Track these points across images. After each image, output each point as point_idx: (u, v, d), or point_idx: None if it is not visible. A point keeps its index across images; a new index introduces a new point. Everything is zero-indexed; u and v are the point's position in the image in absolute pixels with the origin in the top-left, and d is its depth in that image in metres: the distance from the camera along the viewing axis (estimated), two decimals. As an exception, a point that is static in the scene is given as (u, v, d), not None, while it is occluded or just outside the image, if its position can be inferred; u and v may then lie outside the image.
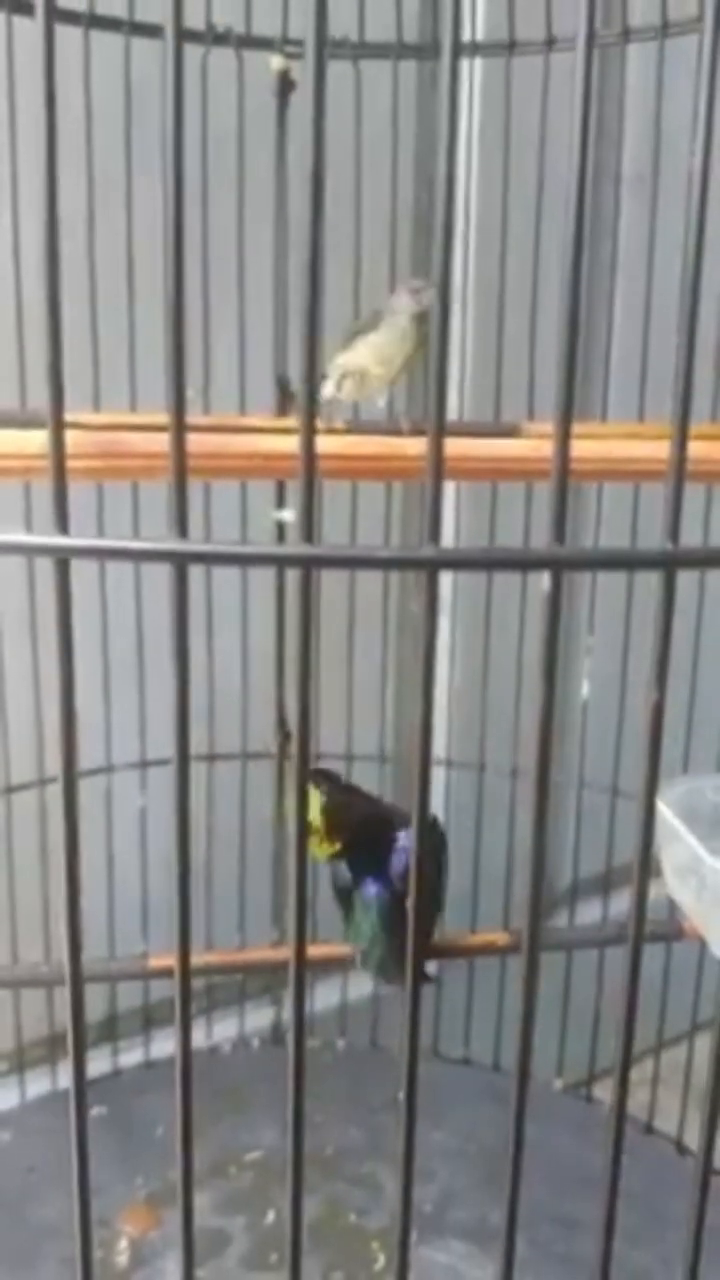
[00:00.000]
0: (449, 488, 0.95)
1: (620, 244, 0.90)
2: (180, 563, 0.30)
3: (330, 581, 0.91)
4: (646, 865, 0.33)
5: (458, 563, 0.31)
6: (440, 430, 0.29)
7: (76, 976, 0.35)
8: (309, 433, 0.29)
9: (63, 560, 0.30)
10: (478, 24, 0.86)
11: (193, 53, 0.83)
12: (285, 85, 0.84)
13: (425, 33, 0.89)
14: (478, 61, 0.88)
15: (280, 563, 0.30)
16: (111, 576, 0.86)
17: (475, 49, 0.87)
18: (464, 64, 0.89)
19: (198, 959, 0.78)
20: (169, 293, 0.29)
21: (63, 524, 0.30)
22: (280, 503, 0.87)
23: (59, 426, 0.30)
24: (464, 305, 0.92)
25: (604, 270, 0.90)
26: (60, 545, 0.30)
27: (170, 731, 0.99)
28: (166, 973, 0.79)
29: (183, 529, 0.30)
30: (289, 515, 0.87)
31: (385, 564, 0.30)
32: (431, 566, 0.30)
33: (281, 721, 0.94)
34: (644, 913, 0.34)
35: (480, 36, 0.87)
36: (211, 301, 0.86)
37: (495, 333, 0.88)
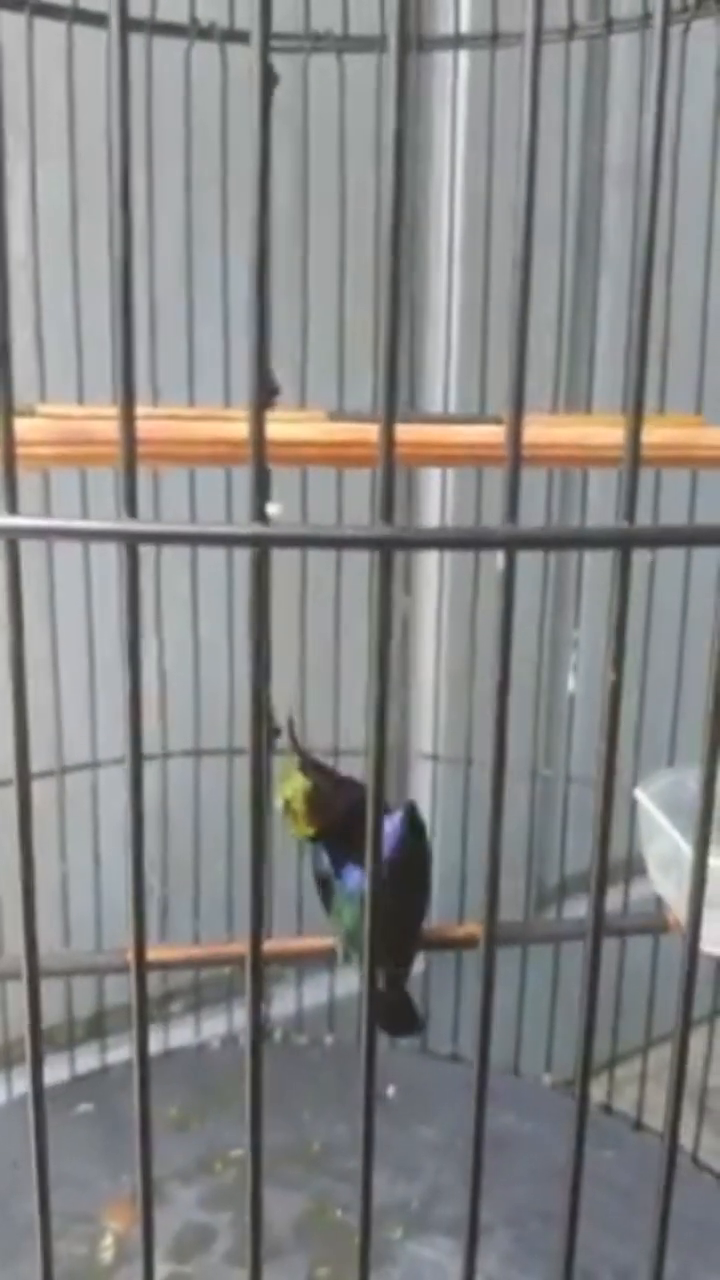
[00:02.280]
0: (435, 474, 0.95)
1: (608, 236, 0.89)
2: (130, 542, 0.30)
3: (316, 575, 0.91)
4: (604, 849, 0.33)
5: (410, 542, 0.30)
6: (391, 409, 0.29)
7: (32, 965, 0.35)
8: (259, 409, 0.29)
9: (12, 541, 0.30)
10: (462, 16, 0.86)
11: (176, 47, 0.83)
12: (268, 79, 0.84)
13: (410, 24, 0.88)
14: (462, 54, 0.88)
15: (232, 542, 0.30)
16: (96, 570, 0.86)
17: (459, 41, 0.86)
18: (448, 56, 0.89)
19: (180, 953, 0.78)
20: (115, 264, 0.29)
21: (12, 504, 0.30)
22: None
23: (8, 405, 0.30)
24: (449, 298, 0.92)
25: (589, 262, 0.90)
26: (8, 525, 0.30)
27: (164, 726, 0.98)
28: (150, 966, 0.79)
29: (132, 508, 0.30)
30: (275, 509, 0.86)
31: (338, 543, 0.30)
32: (384, 545, 0.29)
33: (268, 717, 0.94)
34: (603, 899, 0.34)
35: (465, 28, 0.87)
36: (195, 295, 0.86)
37: (480, 327, 0.88)
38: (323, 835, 0.66)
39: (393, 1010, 0.74)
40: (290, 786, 0.65)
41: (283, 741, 0.95)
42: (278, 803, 0.66)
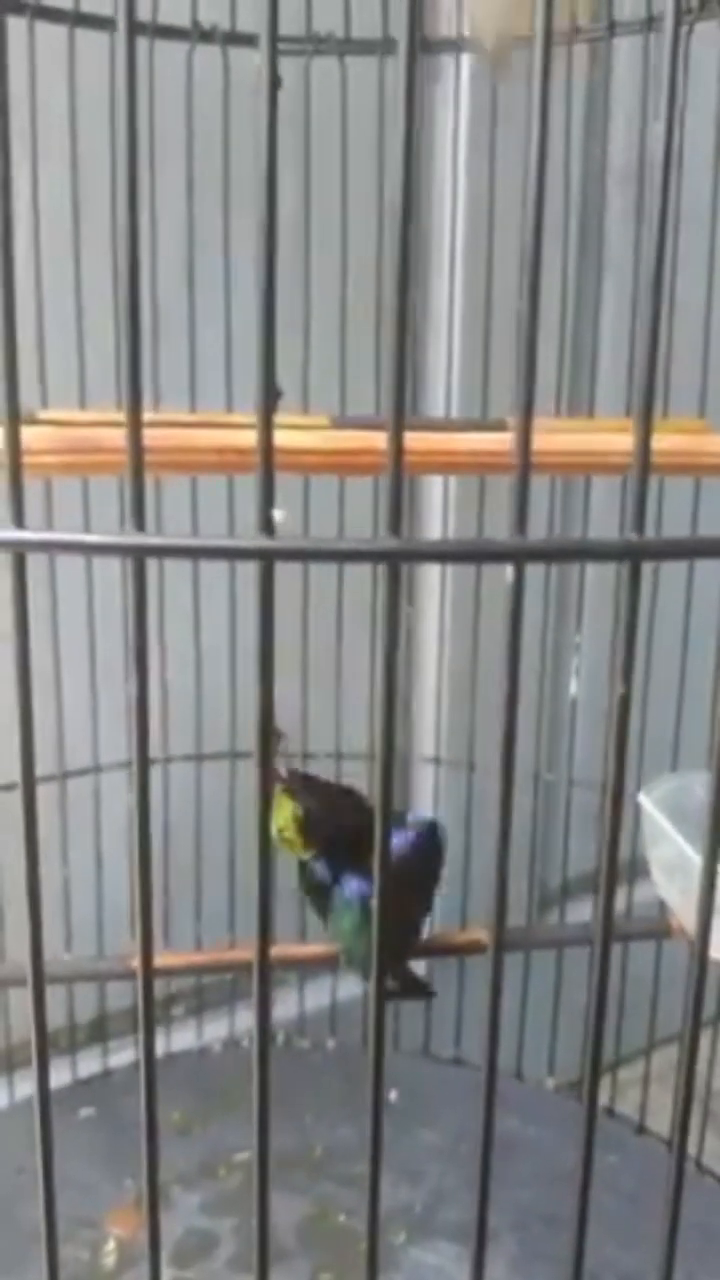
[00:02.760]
0: (436, 482, 0.95)
1: (610, 238, 0.89)
2: (136, 555, 0.30)
3: (318, 579, 0.91)
4: (614, 859, 0.33)
5: (418, 555, 0.30)
6: (400, 420, 0.29)
7: (38, 976, 0.35)
8: (266, 422, 0.29)
9: (19, 554, 0.30)
10: (464, 18, 0.86)
11: (178, 50, 0.83)
12: (275, 87, 0.84)
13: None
14: (464, 56, 0.88)
15: (238, 556, 0.30)
16: (99, 573, 0.86)
17: (461, 44, 0.86)
18: (451, 60, 0.89)
19: (183, 959, 0.78)
20: (122, 269, 0.29)
21: (18, 518, 0.30)
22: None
23: (14, 417, 0.30)
24: (451, 301, 0.92)
25: (592, 263, 0.90)
26: (15, 539, 0.29)
27: (166, 730, 0.97)
28: (154, 972, 0.79)
29: (139, 521, 0.30)
30: (279, 515, 0.86)
31: (344, 556, 0.30)
32: (390, 558, 0.29)
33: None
34: (611, 907, 0.34)
35: (467, 31, 0.87)
36: (197, 298, 0.86)
37: (482, 329, 0.88)
38: (322, 853, 0.65)
39: (400, 985, 0.73)
40: (280, 815, 0.64)
41: (285, 745, 0.95)
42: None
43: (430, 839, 0.68)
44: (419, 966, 0.95)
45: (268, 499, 0.29)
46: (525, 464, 0.29)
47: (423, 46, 0.88)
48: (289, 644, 0.92)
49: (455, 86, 0.89)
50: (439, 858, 0.69)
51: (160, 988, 1.03)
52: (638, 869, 0.77)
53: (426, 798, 1.02)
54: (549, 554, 0.30)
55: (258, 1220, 0.36)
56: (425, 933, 0.74)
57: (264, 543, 0.29)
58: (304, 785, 0.65)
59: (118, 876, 0.92)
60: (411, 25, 0.29)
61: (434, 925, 0.85)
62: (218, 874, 0.94)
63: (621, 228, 0.91)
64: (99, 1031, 0.97)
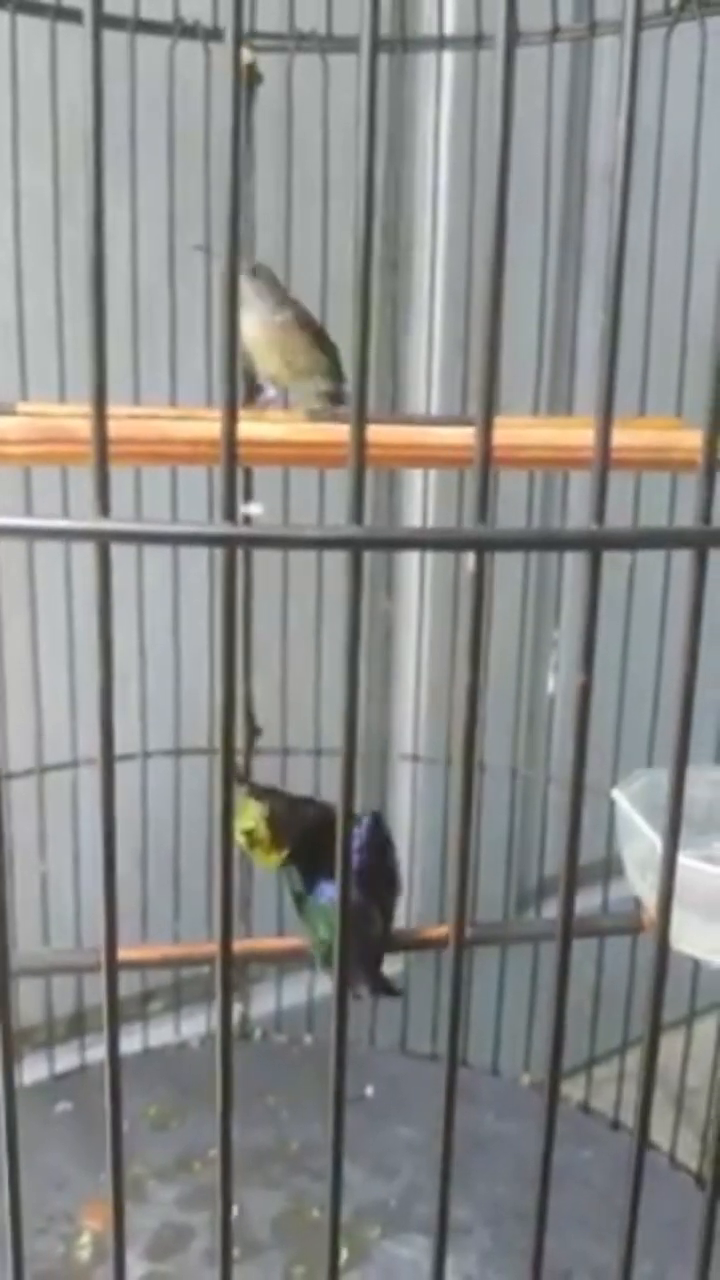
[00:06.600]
0: (416, 476, 0.95)
1: (591, 236, 0.90)
2: (103, 541, 0.30)
3: (297, 575, 0.91)
4: (575, 849, 0.33)
5: (379, 542, 0.30)
6: (362, 413, 0.29)
7: (3, 971, 0.35)
8: (231, 416, 0.29)
9: (-16, 539, 0.30)
10: (446, 18, 0.86)
11: (159, 45, 0.83)
12: (252, 78, 0.84)
13: (394, 26, 0.88)
14: (447, 55, 0.88)
15: (202, 542, 0.30)
16: (78, 569, 0.86)
17: (443, 43, 0.86)
18: (433, 58, 0.89)
19: (156, 952, 0.78)
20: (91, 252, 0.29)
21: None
22: (247, 496, 0.87)
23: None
24: (432, 299, 0.92)
25: (572, 262, 0.91)
26: (-21, 524, 0.30)
27: (144, 725, 0.97)
28: (129, 965, 0.79)
29: (105, 507, 0.30)
30: (255, 508, 0.86)
31: (310, 544, 0.30)
32: (351, 546, 0.30)
33: (249, 716, 0.94)
34: (572, 902, 0.34)
35: (449, 30, 0.87)
36: (179, 295, 0.86)
37: (463, 328, 0.88)
38: (292, 857, 0.65)
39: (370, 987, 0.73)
40: (248, 816, 0.65)
41: (264, 741, 0.95)
42: (239, 839, 0.65)
43: (377, 829, 0.68)
44: (396, 962, 0.96)
45: (231, 485, 0.29)
46: (486, 451, 0.30)
47: (404, 45, 0.89)
48: (269, 644, 0.92)
49: (437, 84, 0.89)
50: (390, 846, 0.69)
51: (137, 983, 1.03)
52: (613, 865, 0.78)
53: (405, 795, 1.02)
54: (509, 543, 0.30)
55: (220, 1208, 0.36)
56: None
57: (228, 529, 0.29)
58: (265, 791, 0.66)
59: (96, 871, 0.92)
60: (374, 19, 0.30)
61: (411, 921, 0.85)
62: (196, 869, 0.94)
63: (603, 226, 0.91)
64: (77, 1026, 0.97)
